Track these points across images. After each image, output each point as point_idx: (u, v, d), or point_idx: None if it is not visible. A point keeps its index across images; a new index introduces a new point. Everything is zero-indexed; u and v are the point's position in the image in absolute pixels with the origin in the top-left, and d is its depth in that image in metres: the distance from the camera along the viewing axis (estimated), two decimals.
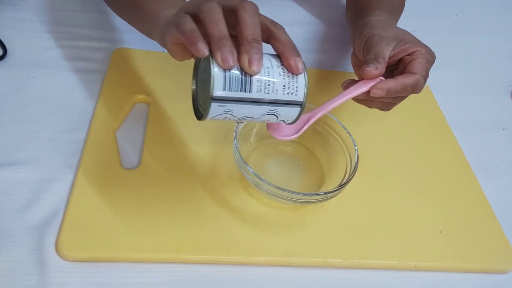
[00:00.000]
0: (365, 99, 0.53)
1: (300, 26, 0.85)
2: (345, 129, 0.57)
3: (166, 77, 0.66)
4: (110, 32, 0.72)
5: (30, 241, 0.47)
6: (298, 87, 0.41)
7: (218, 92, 0.38)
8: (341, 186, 0.51)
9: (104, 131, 0.57)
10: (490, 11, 1.04)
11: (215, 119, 0.42)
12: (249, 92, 0.39)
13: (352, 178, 0.52)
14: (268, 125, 0.49)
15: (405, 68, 0.53)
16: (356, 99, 0.53)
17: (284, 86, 0.40)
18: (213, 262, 0.49)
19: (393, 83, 0.50)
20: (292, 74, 0.41)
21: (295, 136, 0.51)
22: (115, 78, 0.64)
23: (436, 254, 0.54)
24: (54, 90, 0.62)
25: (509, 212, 0.60)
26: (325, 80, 0.73)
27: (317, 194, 0.51)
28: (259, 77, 0.39)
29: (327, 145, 0.59)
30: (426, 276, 0.53)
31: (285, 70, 0.41)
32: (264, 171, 0.57)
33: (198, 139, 0.59)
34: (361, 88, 0.51)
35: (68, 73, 0.65)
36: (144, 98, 0.63)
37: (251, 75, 0.39)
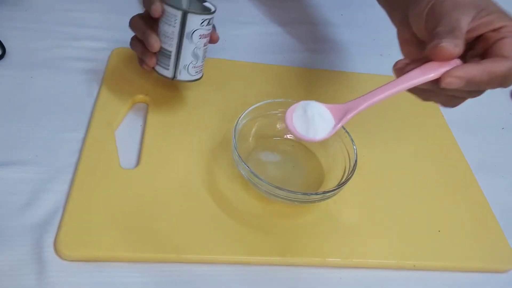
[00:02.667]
0: (427, 89, 0.41)
1: (300, 26, 0.85)
2: (344, 128, 0.57)
3: None
4: (109, 32, 0.72)
5: (28, 241, 0.47)
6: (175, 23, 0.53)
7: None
8: (340, 185, 0.51)
9: (103, 131, 0.57)
10: None
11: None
12: (171, 47, 0.55)
13: (351, 177, 0.52)
14: (290, 129, 0.44)
15: (488, 49, 0.40)
16: (414, 88, 0.40)
17: (165, 36, 0.54)
18: (212, 262, 0.49)
19: (477, 70, 0.37)
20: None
21: (327, 136, 0.42)
22: (114, 78, 0.64)
23: (435, 253, 0.54)
24: (53, 90, 0.62)
25: (507, 212, 0.60)
26: (325, 80, 0.73)
27: (316, 194, 0.51)
28: (163, 45, 0.55)
29: (326, 144, 0.59)
30: (425, 276, 0.53)
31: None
32: (262, 170, 0.57)
33: (197, 138, 0.59)
34: (427, 75, 0.38)
35: (67, 73, 0.65)
36: (143, 98, 0.63)
37: (161, 49, 0.55)
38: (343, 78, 0.75)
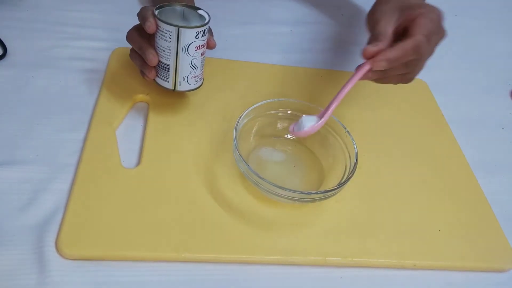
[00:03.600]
0: (380, 78, 0.53)
1: (300, 26, 0.85)
2: (345, 128, 0.57)
3: None
4: (110, 32, 0.73)
5: (30, 240, 0.47)
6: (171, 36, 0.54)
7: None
8: (340, 184, 0.51)
9: (103, 130, 0.58)
10: (490, 10, 1.04)
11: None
12: (168, 61, 0.56)
13: (351, 176, 0.52)
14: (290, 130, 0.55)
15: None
16: (374, 79, 0.53)
17: (162, 50, 0.55)
18: (213, 261, 0.49)
19: (392, 51, 0.49)
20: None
21: (314, 129, 0.53)
22: (114, 78, 0.65)
23: (435, 252, 0.54)
24: (54, 89, 0.63)
25: (508, 211, 0.61)
26: (325, 80, 0.73)
27: (317, 193, 0.51)
28: (161, 59, 0.56)
29: (326, 144, 0.59)
30: (425, 275, 0.53)
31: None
32: (263, 170, 0.57)
33: (197, 138, 0.59)
34: (365, 67, 0.51)
35: (68, 72, 0.65)
36: (143, 98, 0.63)
37: (159, 62, 0.56)
38: (343, 77, 0.75)
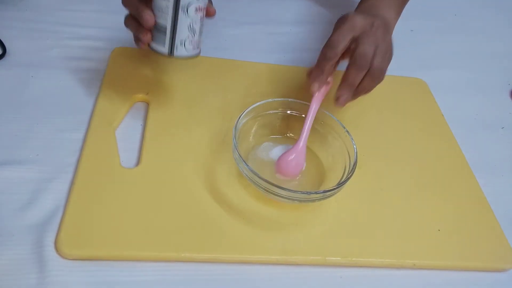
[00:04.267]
0: (357, 95, 0.57)
1: (300, 26, 0.85)
2: (344, 128, 0.57)
3: (165, 76, 0.66)
4: (109, 31, 0.73)
5: (29, 240, 0.47)
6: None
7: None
8: (340, 184, 0.51)
9: (103, 130, 0.58)
10: (489, 11, 1.04)
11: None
12: (166, 22, 0.53)
13: (351, 176, 0.52)
14: (277, 169, 0.56)
15: None
16: (349, 99, 0.57)
17: (159, 10, 0.52)
18: (213, 261, 0.49)
19: (344, 89, 0.55)
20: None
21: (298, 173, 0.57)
22: (114, 77, 0.65)
23: (435, 252, 0.54)
24: (53, 89, 0.63)
25: (507, 211, 0.61)
26: None
27: (316, 193, 0.51)
28: (158, 20, 0.53)
29: (326, 143, 0.59)
30: (425, 275, 0.53)
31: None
32: (263, 169, 0.57)
33: (197, 137, 0.59)
34: (317, 102, 0.57)
35: (67, 72, 0.65)
36: (143, 97, 0.63)
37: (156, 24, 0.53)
38: None
